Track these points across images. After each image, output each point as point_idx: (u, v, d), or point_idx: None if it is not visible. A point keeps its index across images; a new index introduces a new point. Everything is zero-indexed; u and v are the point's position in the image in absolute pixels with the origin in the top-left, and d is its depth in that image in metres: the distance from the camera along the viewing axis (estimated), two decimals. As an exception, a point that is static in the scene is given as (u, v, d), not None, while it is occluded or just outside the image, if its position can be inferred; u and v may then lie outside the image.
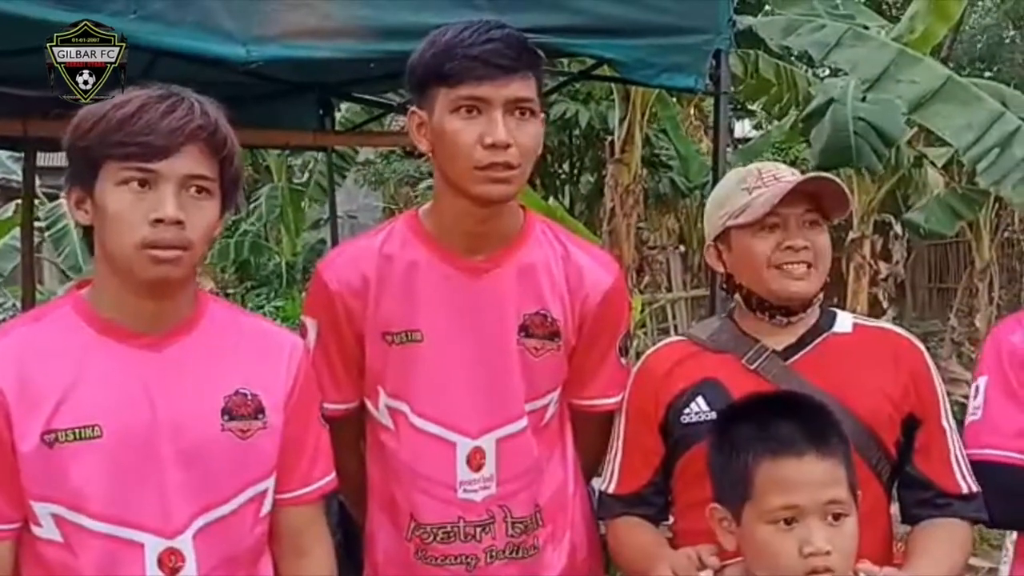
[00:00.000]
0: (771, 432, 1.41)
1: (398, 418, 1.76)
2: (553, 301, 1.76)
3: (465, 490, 1.74)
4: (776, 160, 7.41)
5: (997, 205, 7.36)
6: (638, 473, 1.78)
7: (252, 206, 11.45)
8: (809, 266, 1.70)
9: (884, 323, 1.95)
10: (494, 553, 1.76)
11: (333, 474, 1.63)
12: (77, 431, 1.39)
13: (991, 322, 7.19)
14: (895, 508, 1.77)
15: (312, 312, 1.79)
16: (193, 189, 1.40)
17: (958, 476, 1.71)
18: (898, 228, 7.86)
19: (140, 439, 1.41)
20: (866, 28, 5.49)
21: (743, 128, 13.28)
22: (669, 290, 9.24)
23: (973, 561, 4.75)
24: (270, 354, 1.55)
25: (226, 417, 1.47)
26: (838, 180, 1.72)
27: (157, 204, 1.36)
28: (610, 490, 1.81)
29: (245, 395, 1.48)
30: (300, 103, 4.29)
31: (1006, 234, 7.50)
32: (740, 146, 9.17)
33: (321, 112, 4.41)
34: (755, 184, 1.74)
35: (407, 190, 11.31)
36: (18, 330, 1.49)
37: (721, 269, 1.81)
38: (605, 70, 3.27)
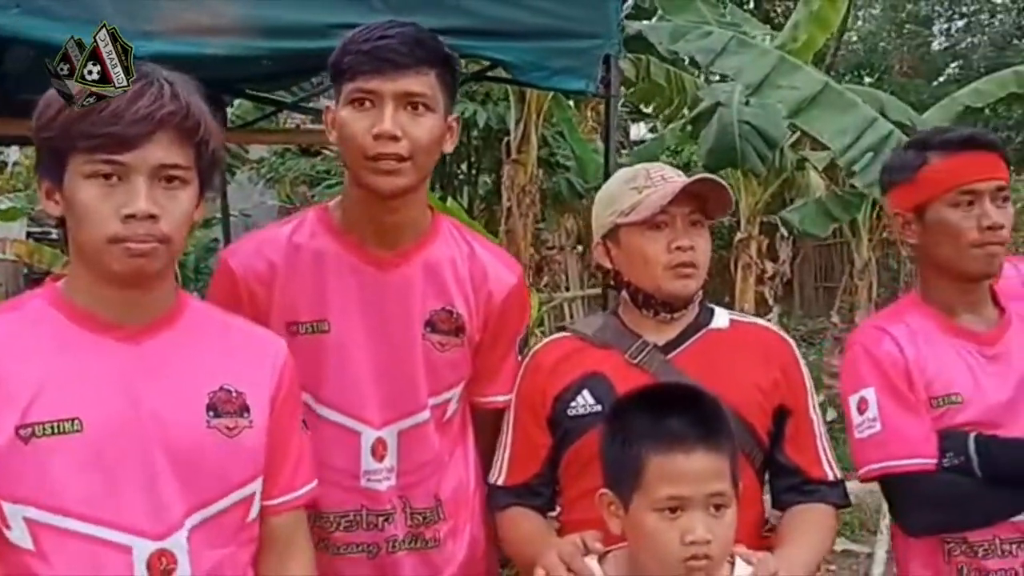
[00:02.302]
0: (664, 426, 1.45)
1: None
2: (458, 298, 1.79)
3: (369, 479, 1.76)
4: (670, 162, 7.61)
5: (877, 206, 7.66)
6: (526, 465, 1.82)
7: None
8: (695, 266, 1.77)
9: (757, 319, 2.03)
10: (396, 543, 1.79)
11: (315, 482, 1.56)
12: (56, 424, 1.29)
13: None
14: (767, 496, 1.86)
15: (214, 300, 1.75)
16: (166, 179, 1.30)
17: (824, 463, 1.81)
18: (784, 229, 8.13)
19: (123, 434, 1.32)
20: (752, 36, 5.68)
21: (639, 131, 13.49)
22: (567, 289, 9.34)
23: (852, 547, 4.96)
24: (254, 353, 1.48)
25: (211, 414, 1.38)
26: (723, 182, 1.79)
27: (127, 199, 1.27)
28: (499, 482, 1.85)
29: (230, 392, 1.41)
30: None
31: (885, 234, 7.81)
32: (636, 148, 9.34)
33: (212, 109, 4.34)
34: (644, 184, 1.79)
35: (304, 189, 11.12)
36: None
37: (608, 266, 1.86)
38: (500, 72, 3.32)
